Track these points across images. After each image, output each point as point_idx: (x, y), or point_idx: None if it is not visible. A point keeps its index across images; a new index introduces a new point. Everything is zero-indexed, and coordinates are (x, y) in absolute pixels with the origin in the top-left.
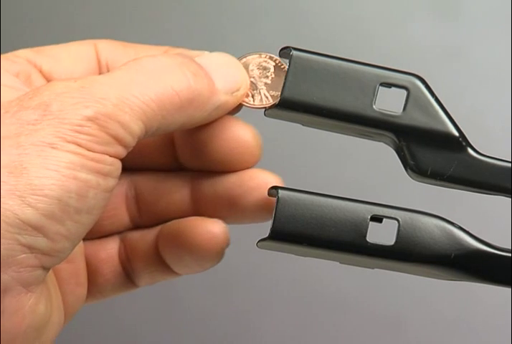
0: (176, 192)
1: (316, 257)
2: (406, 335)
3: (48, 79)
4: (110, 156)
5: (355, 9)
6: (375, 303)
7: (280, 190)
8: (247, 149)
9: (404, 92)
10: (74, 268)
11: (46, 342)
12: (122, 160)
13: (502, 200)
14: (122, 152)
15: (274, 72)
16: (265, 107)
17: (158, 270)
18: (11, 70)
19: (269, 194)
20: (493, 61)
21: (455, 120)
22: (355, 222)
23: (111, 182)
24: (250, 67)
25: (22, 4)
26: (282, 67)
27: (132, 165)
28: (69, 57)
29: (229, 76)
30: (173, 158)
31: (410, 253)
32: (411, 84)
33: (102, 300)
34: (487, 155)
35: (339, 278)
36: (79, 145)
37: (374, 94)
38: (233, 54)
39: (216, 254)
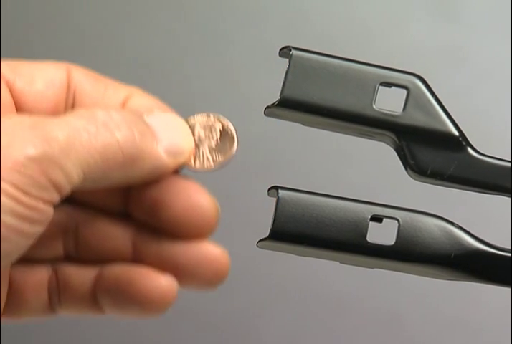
0: (118, 239)
1: (316, 257)
2: (406, 335)
3: (16, 99)
4: (44, 202)
5: (355, 9)
6: (375, 303)
7: (280, 190)
8: (203, 221)
9: (404, 92)
10: None
11: None
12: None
13: (502, 200)
14: (56, 199)
15: (220, 135)
16: (206, 170)
17: (89, 308)
18: None
19: (269, 194)
20: (493, 62)
21: (455, 120)
22: (355, 222)
23: (37, 229)
24: (197, 128)
25: (22, 4)
26: (228, 130)
27: (80, 198)
28: (42, 79)
29: (175, 139)
30: (123, 205)
31: (410, 253)
32: (412, 84)
33: (15, 322)
34: (488, 154)
35: (339, 278)
36: (16, 187)
37: (374, 93)
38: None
39: (160, 309)
